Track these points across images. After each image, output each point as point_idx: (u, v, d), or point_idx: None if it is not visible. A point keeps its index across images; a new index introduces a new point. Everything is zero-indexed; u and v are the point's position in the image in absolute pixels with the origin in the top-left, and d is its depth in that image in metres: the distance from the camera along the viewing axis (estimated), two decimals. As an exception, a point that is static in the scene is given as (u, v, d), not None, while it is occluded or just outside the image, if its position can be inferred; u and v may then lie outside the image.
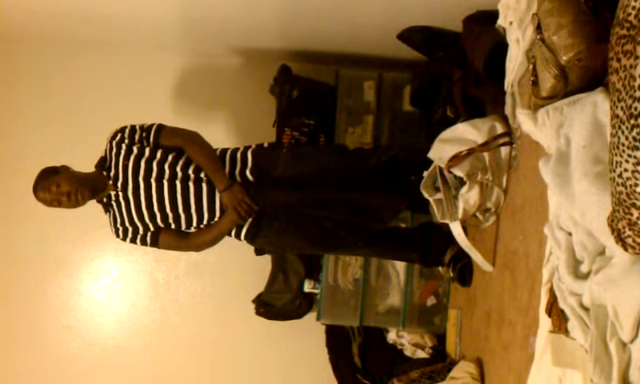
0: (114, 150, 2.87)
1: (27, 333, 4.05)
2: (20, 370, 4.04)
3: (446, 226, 2.86)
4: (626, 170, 1.34)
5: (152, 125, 2.92)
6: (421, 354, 3.57)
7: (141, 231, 2.96)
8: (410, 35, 3.19)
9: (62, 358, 4.07)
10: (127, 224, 2.95)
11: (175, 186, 2.85)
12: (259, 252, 3.62)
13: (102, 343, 4.08)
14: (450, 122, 2.89)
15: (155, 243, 2.99)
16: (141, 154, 2.85)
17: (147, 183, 2.85)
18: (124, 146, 2.86)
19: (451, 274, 3.16)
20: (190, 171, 2.86)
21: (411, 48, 3.25)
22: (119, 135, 2.89)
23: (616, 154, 1.36)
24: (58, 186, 2.81)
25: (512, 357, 2.40)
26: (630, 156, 1.32)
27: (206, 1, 3.14)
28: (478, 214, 2.78)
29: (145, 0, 3.18)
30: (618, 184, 1.38)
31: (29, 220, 3.82)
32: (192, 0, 3.16)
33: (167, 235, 2.97)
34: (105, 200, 2.96)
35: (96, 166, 2.95)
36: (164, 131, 2.91)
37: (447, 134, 2.77)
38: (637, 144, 1.29)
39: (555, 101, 1.99)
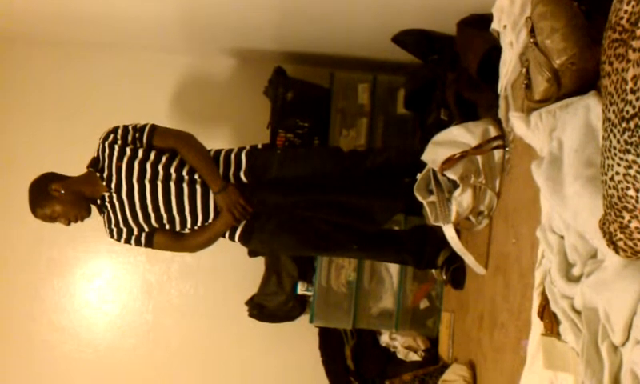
0: (107, 151, 2.86)
1: (19, 334, 4.03)
2: (11, 371, 4.02)
3: (440, 228, 2.86)
4: (617, 173, 1.34)
5: (145, 125, 2.91)
6: (413, 357, 3.57)
7: (135, 232, 2.96)
8: (404, 38, 3.19)
9: (53, 359, 4.05)
10: (122, 225, 2.94)
11: (169, 187, 2.85)
12: (253, 254, 3.62)
13: (94, 345, 4.06)
14: (444, 125, 2.90)
15: (150, 244, 2.99)
16: (134, 156, 2.84)
17: (141, 185, 2.84)
18: (117, 147, 2.85)
19: (444, 277, 3.16)
20: (184, 173, 2.86)
21: (406, 51, 3.25)
22: (112, 136, 2.88)
23: (608, 158, 1.37)
24: (54, 213, 2.87)
25: (504, 360, 2.40)
26: (621, 159, 1.32)
27: (202, 2, 3.14)
28: (471, 217, 2.78)
29: (140, 1, 3.17)
30: (609, 187, 1.38)
31: (22, 220, 3.81)
32: (187, 1, 3.15)
33: (162, 236, 2.97)
34: (99, 201, 2.95)
35: (88, 167, 2.94)
36: (157, 132, 2.90)
37: (441, 136, 2.77)
38: (628, 147, 1.29)
39: (548, 104, 2.00)
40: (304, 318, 3.79)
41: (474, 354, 2.83)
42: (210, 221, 2.93)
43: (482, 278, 2.76)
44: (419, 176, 2.83)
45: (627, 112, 1.29)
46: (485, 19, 2.60)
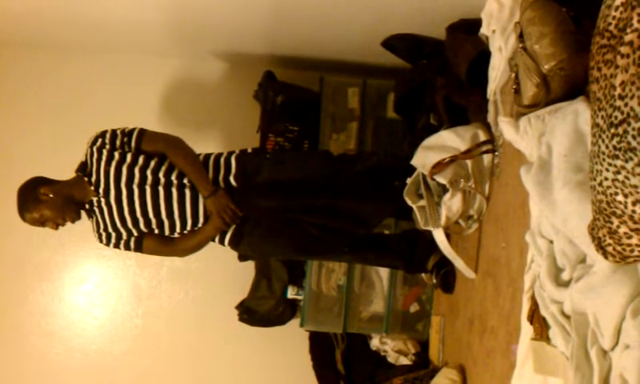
0: (95, 155, 2.85)
1: (7, 338, 4.01)
2: None
3: (429, 232, 2.86)
4: (606, 179, 1.34)
5: (133, 129, 2.90)
6: (404, 361, 3.57)
7: (124, 237, 2.94)
8: (394, 43, 3.19)
9: (42, 364, 4.03)
10: (110, 229, 2.93)
11: (158, 191, 2.84)
12: (243, 258, 3.61)
13: (84, 349, 4.05)
14: (434, 130, 2.90)
15: (139, 248, 2.98)
16: (122, 160, 2.82)
17: (129, 189, 2.83)
18: (105, 152, 2.83)
19: (434, 281, 3.16)
20: (173, 177, 2.85)
21: (395, 55, 3.25)
22: (100, 140, 2.86)
23: (596, 163, 1.37)
24: (43, 217, 2.86)
25: (494, 363, 2.40)
26: (610, 165, 1.32)
27: (192, 5, 3.13)
28: (460, 221, 2.79)
29: (129, 3, 3.16)
30: (598, 192, 1.39)
31: (11, 224, 3.79)
32: (176, 3, 3.15)
33: (151, 240, 2.96)
34: (87, 206, 2.94)
35: (76, 171, 2.93)
36: (146, 136, 2.89)
37: (430, 141, 2.78)
38: (617, 153, 1.30)
39: (537, 109, 2.00)
40: (294, 322, 3.79)
41: (464, 358, 2.83)
42: (199, 225, 2.92)
43: (471, 282, 2.77)
44: (409, 180, 2.84)
45: (615, 118, 1.29)
46: (474, 24, 2.60)
